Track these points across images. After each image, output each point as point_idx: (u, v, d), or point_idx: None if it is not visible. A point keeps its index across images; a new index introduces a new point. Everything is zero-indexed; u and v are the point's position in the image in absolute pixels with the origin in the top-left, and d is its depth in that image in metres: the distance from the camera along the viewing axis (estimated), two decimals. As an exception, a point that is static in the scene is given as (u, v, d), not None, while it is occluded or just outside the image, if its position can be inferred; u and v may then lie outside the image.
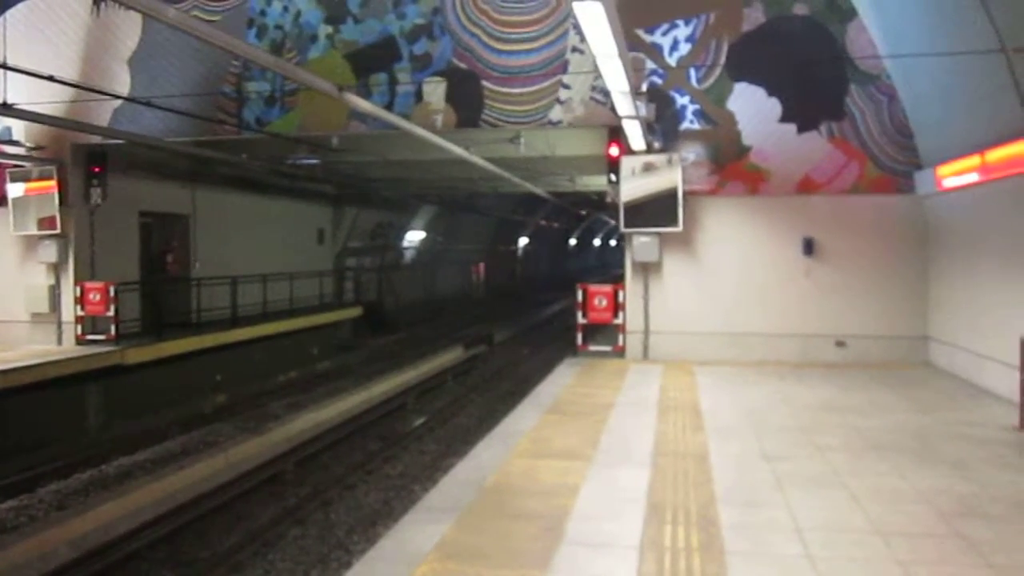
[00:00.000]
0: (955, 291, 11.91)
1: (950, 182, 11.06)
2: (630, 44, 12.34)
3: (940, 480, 6.73)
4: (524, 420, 9.11)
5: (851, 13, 12.54)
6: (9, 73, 11.47)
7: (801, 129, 12.97)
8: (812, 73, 12.82)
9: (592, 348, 13.98)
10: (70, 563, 8.18)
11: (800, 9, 12.76)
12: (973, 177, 10.18)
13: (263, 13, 14.30)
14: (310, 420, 14.50)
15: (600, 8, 6.31)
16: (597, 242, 66.56)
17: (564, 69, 13.41)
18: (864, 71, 12.67)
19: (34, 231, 15.31)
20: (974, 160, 10.01)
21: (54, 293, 15.46)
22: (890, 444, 7.94)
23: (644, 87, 12.34)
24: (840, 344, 13.05)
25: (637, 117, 11.13)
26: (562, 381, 11.70)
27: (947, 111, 11.40)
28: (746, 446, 7.92)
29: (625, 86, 9.32)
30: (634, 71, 10.14)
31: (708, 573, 4.87)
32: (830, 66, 12.72)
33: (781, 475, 6.88)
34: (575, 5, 6.23)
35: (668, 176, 13.01)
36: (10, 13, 14.95)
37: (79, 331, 15.28)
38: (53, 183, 15.02)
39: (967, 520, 5.76)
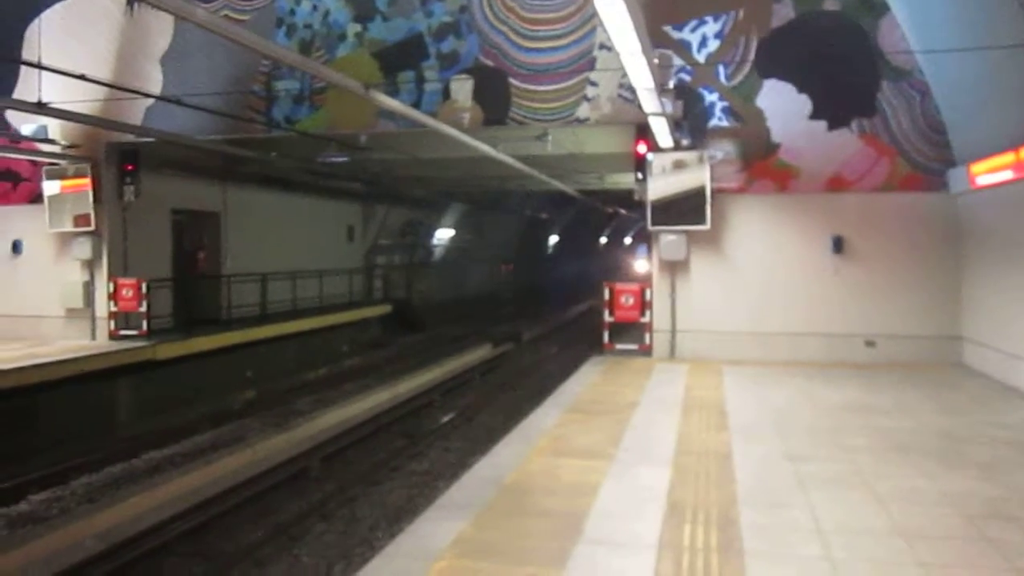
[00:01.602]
0: (989, 291, 11.69)
1: (984, 180, 10.86)
2: (658, 41, 12.32)
3: (967, 482, 6.61)
4: (547, 418, 9.10)
5: (883, 8, 12.35)
6: (44, 72, 11.69)
7: (831, 126, 12.81)
8: (843, 69, 12.65)
9: (618, 347, 13.91)
10: (98, 555, 8.31)
11: (831, 4, 12.60)
12: (1008, 175, 9.98)
13: (292, 12, 14.42)
14: (337, 416, 14.59)
15: (622, 4, 6.26)
16: (628, 240, 66.20)
17: (591, 66, 13.37)
18: (896, 67, 12.48)
19: (69, 228, 15.59)
20: (1008, 157, 9.82)
21: (88, 289, 15.72)
22: (917, 446, 7.81)
23: (671, 84, 12.23)
24: (870, 344, 12.87)
25: (664, 114, 11.05)
26: (587, 379, 11.68)
27: (981, 107, 11.20)
28: (770, 446, 7.84)
29: (650, 83, 9.25)
30: (661, 68, 10.07)
31: (726, 574, 4.83)
32: (861, 62, 12.54)
33: (804, 476, 6.80)
34: (597, 1, 6.18)
35: (696, 174, 12.91)
36: (45, 14, 15.24)
37: (112, 326, 15.55)
38: (87, 181, 15.28)
39: (993, 523, 5.65)
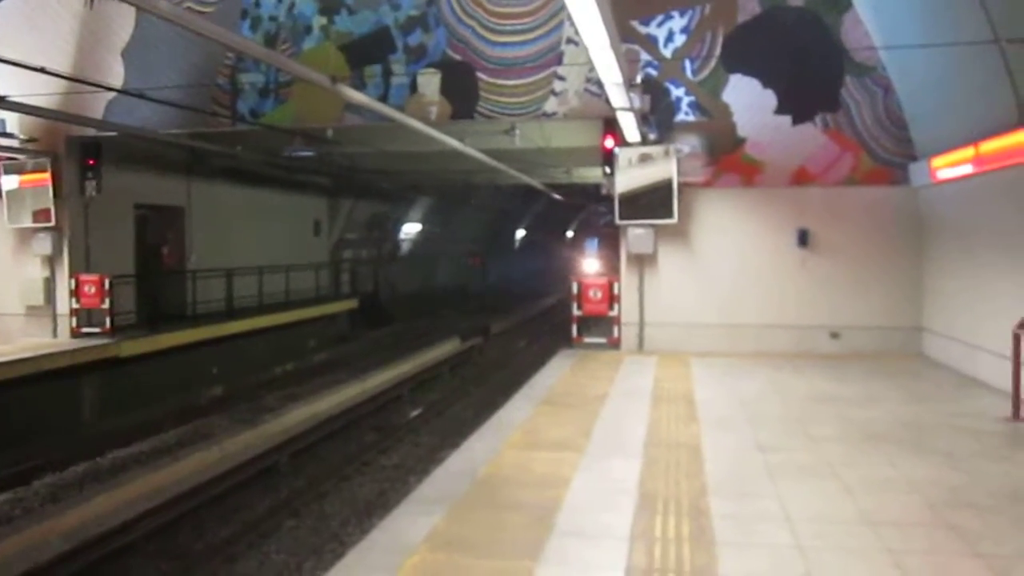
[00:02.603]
0: (949, 282, 11.92)
1: (944, 174, 11.06)
2: (625, 35, 12.34)
3: (932, 471, 6.75)
4: (517, 411, 9.12)
5: (846, 4, 12.51)
6: (1, 65, 11.42)
7: (796, 121, 12.95)
8: (807, 65, 12.80)
9: (587, 340, 13.97)
10: (64, 555, 8.18)
11: (795, 0, 12.73)
12: (967, 169, 10.17)
13: (257, 4, 14.23)
14: (306, 412, 14.50)
15: (591, -2, 6.28)
16: (582, 233, 66.34)
17: (559, 61, 13.39)
18: (859, 63, 12.65)
19: (29, 223, 15.28)
20: (968, 152, 10.00)
21: (49, 286, 15.43)
22: (883, 435, 7.96)
23: (639, 79, 12.30)
24: (834, 335, 13.07)
25: (631, 109, 11.11)
26: (557, 373, 11.72)
27: (942, 103, 11.40)
28: (739, 437, 7.94)
29: (618, 77, 9.28)
30: (629, 63, 10.11)
31: (698, 563, 4.89)
32: (825, 57, 12.70)
33: (774, 466, 6.90)
34: (566, -5, 6.19)
35: (663, 168, 12.99)
36: (3, 5, 14.88)
37: (74, 324, 15.27)
38: (47, 175, 14.97)
39: (957, 510, 5.78)
